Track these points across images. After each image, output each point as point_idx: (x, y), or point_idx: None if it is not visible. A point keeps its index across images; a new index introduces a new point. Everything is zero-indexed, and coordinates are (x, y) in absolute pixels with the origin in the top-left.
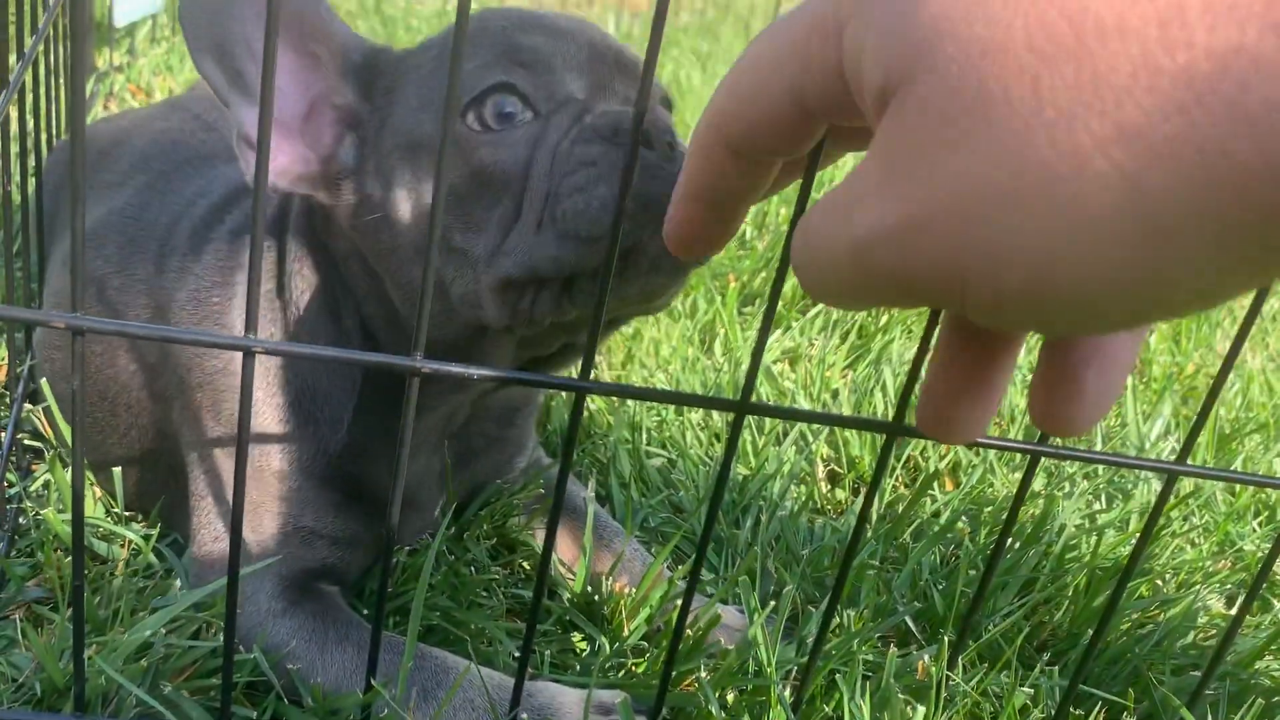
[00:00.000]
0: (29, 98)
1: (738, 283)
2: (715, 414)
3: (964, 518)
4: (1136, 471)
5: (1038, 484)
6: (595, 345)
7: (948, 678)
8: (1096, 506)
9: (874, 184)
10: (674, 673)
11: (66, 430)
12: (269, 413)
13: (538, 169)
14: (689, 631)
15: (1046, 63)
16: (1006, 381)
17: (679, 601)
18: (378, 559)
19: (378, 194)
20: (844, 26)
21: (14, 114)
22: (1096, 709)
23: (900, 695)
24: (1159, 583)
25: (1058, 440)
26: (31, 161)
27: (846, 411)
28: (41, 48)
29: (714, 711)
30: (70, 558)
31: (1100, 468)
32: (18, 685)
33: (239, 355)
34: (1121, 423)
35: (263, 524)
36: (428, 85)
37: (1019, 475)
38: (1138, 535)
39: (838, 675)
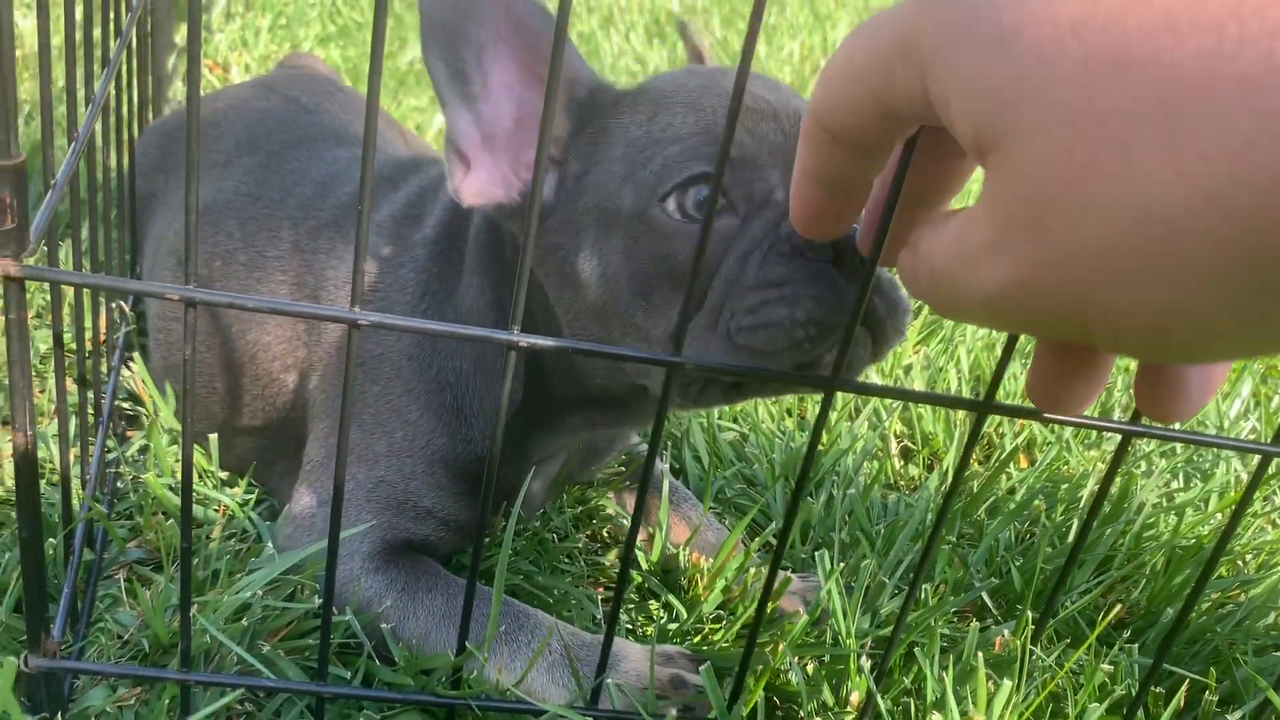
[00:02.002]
0: (121, 76)
1: None
2: None
3: (1040, 495)
4: (1216, 451)
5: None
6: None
7: (1032, 653)
8: (1175, 485)
9: (991, 243)
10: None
11: (172, 399)
12: (424, 402)
13: (726, 272)
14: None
15: (1134, 131)
16: (1113, 360)
17: (751, 571)
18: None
19: (565, 245)
20: (927, 64)
21: (110, 91)
22: (1181, 689)
23: (984, 669)
24: (1240, 563)
25: (1147, 420)
26: (124, 135)
27: (919, 387)
28: (133, 29)
29: (794, 681)
30: (170, 520)
31: (1179, 446)
32: (124, 642)
33: (401, 341)
34: None
35: (382, 496)
36: (634, 154)
37: (1094, 453)
38: (1220, 514)
39: (916, 648)
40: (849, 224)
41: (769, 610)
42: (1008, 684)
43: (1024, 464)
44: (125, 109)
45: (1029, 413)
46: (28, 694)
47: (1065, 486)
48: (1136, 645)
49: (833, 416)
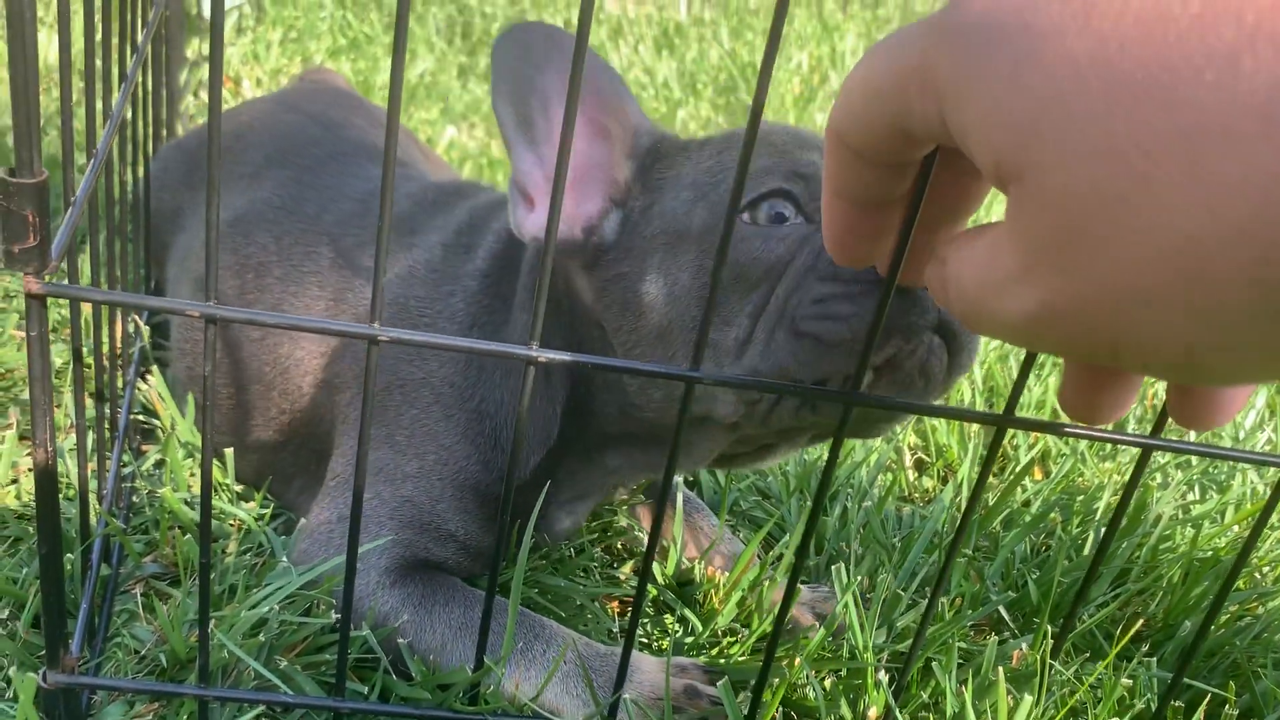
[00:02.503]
0: (137, 92)
1: None
2: None
3: (1055, 508)
4: (1232, 463)
5: (1130, 476)
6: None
7: (1051, 666)
8: (1191, 498)
9: (1018, 271)
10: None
11: (192, 412)
12: (463, 430)
13: (799, 262)
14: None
15: (1156, 164)
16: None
17: (766, 584)
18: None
19: (630, 272)
20: (943, 94)
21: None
22: (1201, 702)
23: (1003, 683)
24: (1257, 575)
25: (1166, 432)
26: (140, 152)
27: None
28: (149, 46)
29: (811, 695)
30: (186, 535)
31: (1193, 458)
32: (141, 657)
33: (444, 368)
34: None
35: (406, 515)
36: (705, 179)
37: (1109, 464)
38: (1237, 526)
39: (934, 662)
40: (883, 247)
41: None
42: (1028, 699)
43: (1039, 476)
44: (141, 125)
45: (1047, 426)
46: (46, 710)
47: (1081, 499)
48: (1155, 659)
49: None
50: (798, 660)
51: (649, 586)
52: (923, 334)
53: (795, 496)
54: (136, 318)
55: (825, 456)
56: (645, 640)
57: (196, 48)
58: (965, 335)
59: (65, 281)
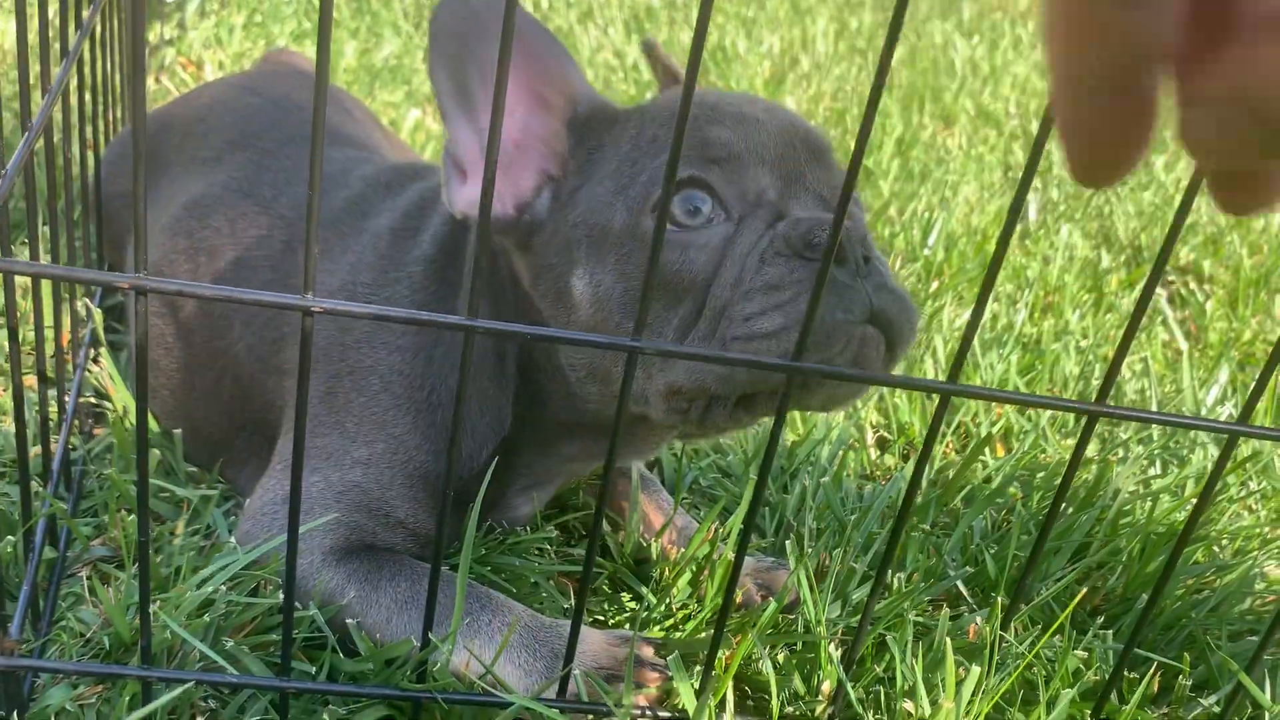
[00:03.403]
0: (86, 70)
1: None
2: None
3: (1015, 483)
4: (1192, 436)
5: (1091, 450)
6: None
7: (1001, 639)
8: (1152, 472)
9: None
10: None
11: (123, 393)
12: (413, 419)
13: (724, 277)
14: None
15: None
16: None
17: (718, 558)
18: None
19: (558, 264)
20: None
21: (73, 84)
22: (1151, 672)
23: (953, 656)
24: (1215, 548)
25: (1112, 401)
26: (89, 131)
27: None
28: (98, 21)
29: (764, 669)
30: (132, 516)
31: (1155, 433)
32: (86, 640)
33: (392, 357)
34: (1177, 388)
35: (353, 499)
36: (624, 169)
37: (1071, 441)
38: (1194, 500)
39: (888, 636)
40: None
41: (736, 597)
42: (976, 670)
43: (1000, 452)
44: (90, 105)
45: (994, 395)
46: None
47: (1041, 475)
48: (1111, 632)
49: None
50: (749, 634)
51: (605, 564)
52: (855, 329)
53: (751, 469)
54: (87, 300)
55: (785, 434)
56: (601, 617)
57: (158, 31)
58: (901, 320)
59: None
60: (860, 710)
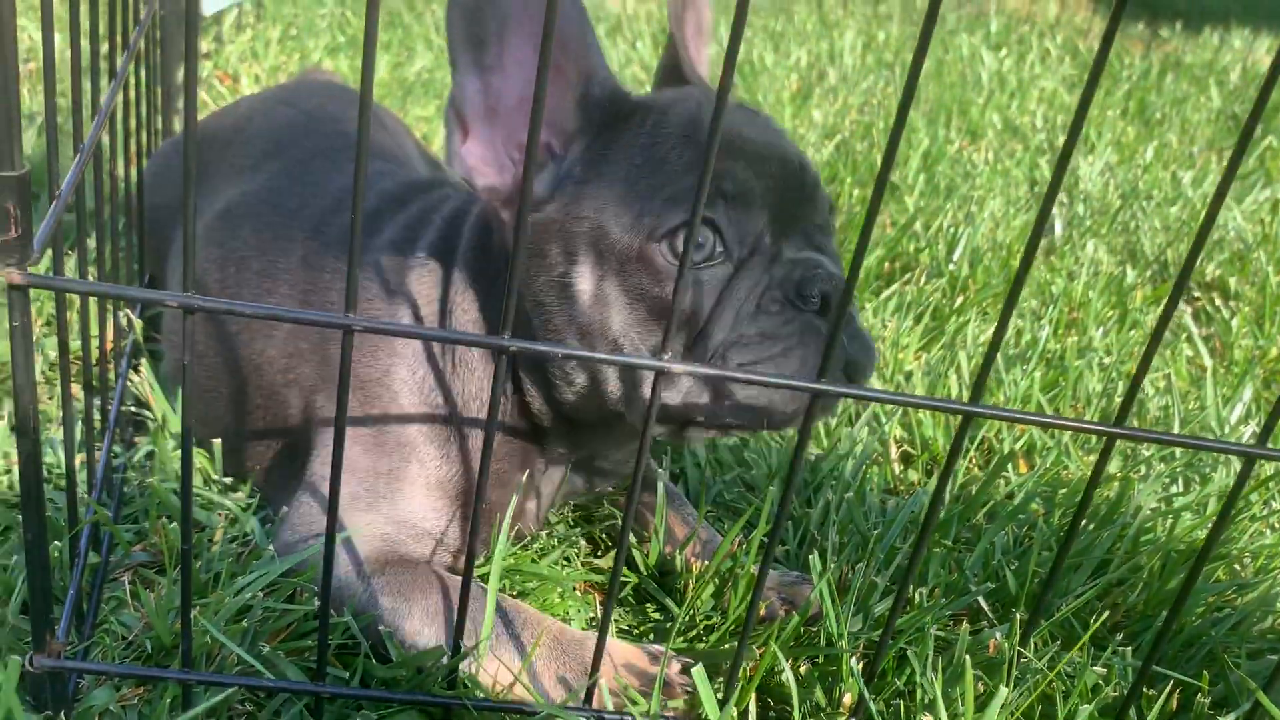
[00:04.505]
0: (130, 89)
1: None
2: None
3: (1038, 500)
4: (1215, 455)
5: (1113, 467)
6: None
7: (1020, 654)
8: (1174, 490)
9: None
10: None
11: (162, 404)
12: (422, 428)
13: (721, 319)
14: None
15: None
16: None
17: (741, 571)
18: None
19: (557, 254)
20: None
21: (119, 102)
22: (1169, 690)
23: (973, 671)
24: (1237, 567)
25: (1135, 419)
26: (133, 146)
27: (920, 393)
28: (142, 42)
29: (787, 680)
30: (173, 524)
31: (1178, 451)
32: (128, 643)
33: (396, 368)
34: (1201, 406)
35: (382, 513)
36: (635, 181)
37: (1093, 458)
38: (1215, 518)
39: (909, 650)
40: None
41: (760, 610)
42: (1004, 691)
43: (1024, 469)
44: (134, 120)
45: (1012, 416)
46: (33, 693)
47: (1063, 491)
48: (1130, 649)
49: (832, 422)
50: (772, 646)
51: (630, 576)
52: (834, 378)
53: (774, 485)
54: (129, 312)
55: (810, 450)
56: (626, 629)
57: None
58: (866, 365)
59: (50, 274)
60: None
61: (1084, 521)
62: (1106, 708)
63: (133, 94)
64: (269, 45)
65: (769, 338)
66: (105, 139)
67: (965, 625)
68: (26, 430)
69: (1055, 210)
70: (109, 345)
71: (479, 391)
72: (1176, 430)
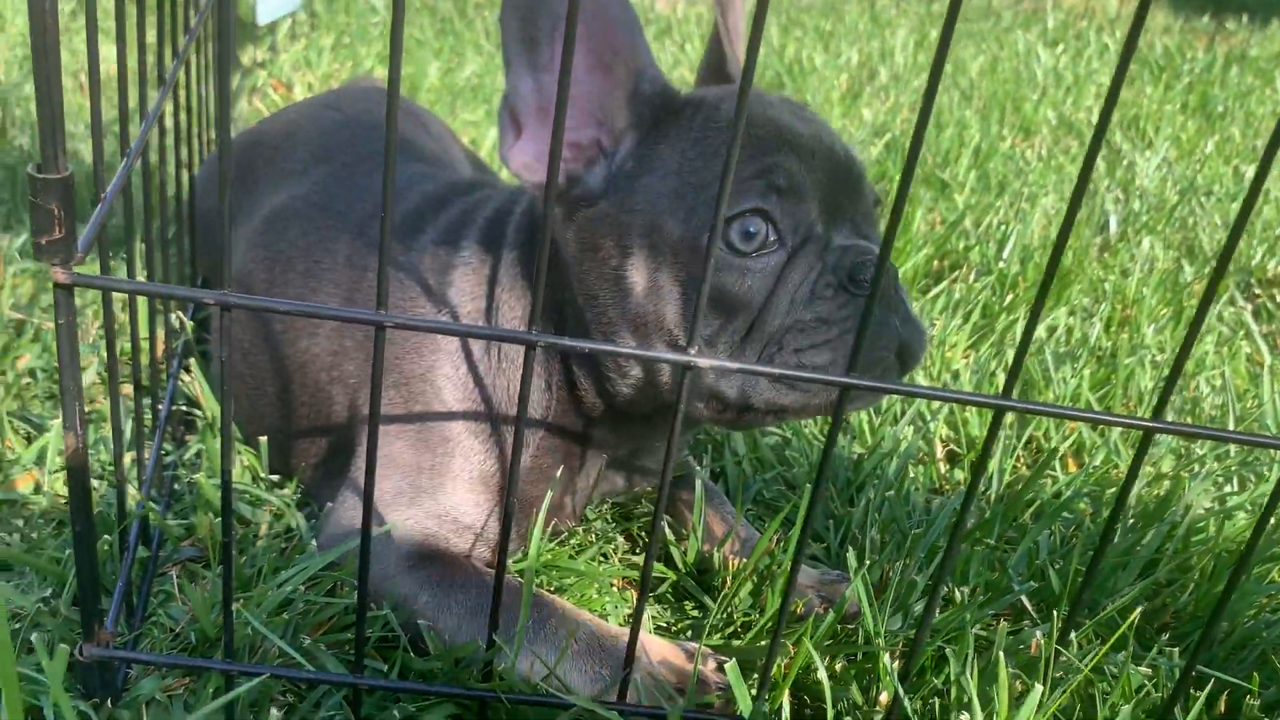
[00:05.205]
0: (182, 94)
1: None
2: None
3: (1086, 499)
4: (1272, 453)
5: (1166, 465)
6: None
7: (1058, 653)
8: (1228, 489)
9: None
10: (784, 639)
11: (211, 402)
12: (465, 424)
13: (776, 306)
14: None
15: None
16: None
17: (778, 569)
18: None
19: (613, 246)
20: None
21: (168, 108)
22: (1211, 690)
23: (1009, 669)
24: None
25: (1188, 419)
26: (184, 152)
27: (967, 390)
28: (194, 47)
29: (821, 678)
30: (219, 519)
31: (1232, 449)
32: (175, 634)
33: (440, 364)
34: (1259, 403)
35: (424, 507)
36: (686, 175)
37: (1151, 456)
38: (1275, 518)
39: (947, 649)
40: None
41: (796, 607)
42: (1038, 689)
43: (1073, 468)
44: (186, 125)
45: (1045, 409)
46: (83, 682)
47: (1111, 491)
48: (1177, 649)
49: (877, 420)
50: (806, 643)
51: (669, 573)
52: (885, 361)
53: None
54: (180, 314)
55: (850, 447)
56: (664, 625)
57: (251, 54)
58: (918, 349)
59: (94, 273)
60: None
61: (1131, 520)
62: (1151, 710)
63: (184, 100)
64: (321, 53)
65: (825, 321)
66: (156, 143)
67: (1004, 625)
68: (73, 426)
69: (1110, 207)
70: (160, 346)
71: (514, 379)
72: (1231, 426)
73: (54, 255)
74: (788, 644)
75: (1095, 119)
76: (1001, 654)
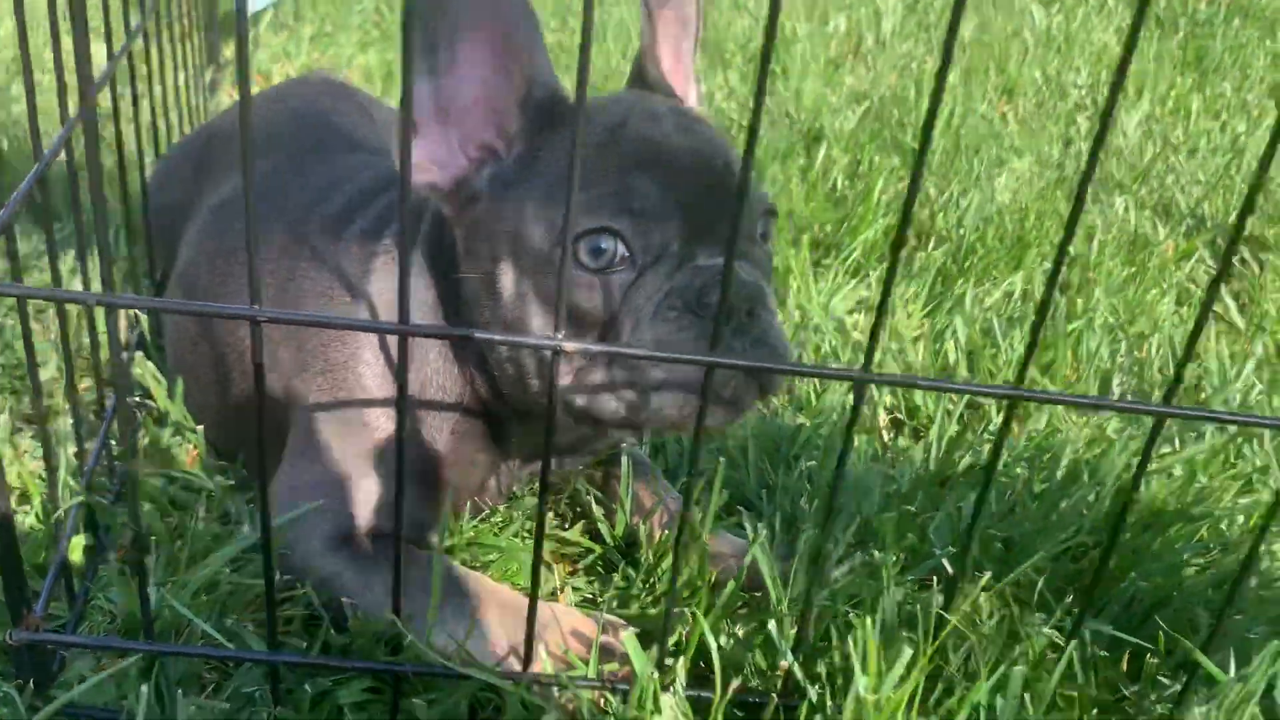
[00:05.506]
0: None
1: (810, 234)
2: None
3: (1024, 465)
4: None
5: (1112, 429)
6: None
7: (941, 616)
8: (1165, 449)
9: None
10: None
11: (179, 395)
12: (389, 412)
13: (623, 324)
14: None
15: None
16: None
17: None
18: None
19: (485, 254)
20: None
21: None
22: (1121, 653)
23: (905, 633)
24: (1221, 528)
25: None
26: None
27: (919, 360)
28: (171, 43)
29: (710, 645)
30: (149, 507)
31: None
32: (113, 617)
33: (361, 353)
34: (1204, 368)
35: (347, 491)
36: (553, 191)
37: (1088, 427)
38: (1200, 480)
39: (852, 615)
40: None
41: (711, 575)
42: (907, 650)
43: (1015, 434)
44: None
45: (903, 380)
46: (16, 665)
47: (1048, 456)
48: (1082, 611)
49: (821, 386)
50: (698, 612)
51: (595, 546)
52: (730, 383)
53: (753, 456)
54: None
55: (791, 417)
56: (590, 597)
57: (233, 47)
58: (771, 376)
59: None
60: (808, 684)
61: (1048, 486)
62: (1050, 667)
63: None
64: (299, 45)
65: (662, 344)
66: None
67: (888, 589)
68: None
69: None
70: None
71: (434, 375)
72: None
73: None
74: (688, 613)
75: (1083, 79)
76: (894, 616)
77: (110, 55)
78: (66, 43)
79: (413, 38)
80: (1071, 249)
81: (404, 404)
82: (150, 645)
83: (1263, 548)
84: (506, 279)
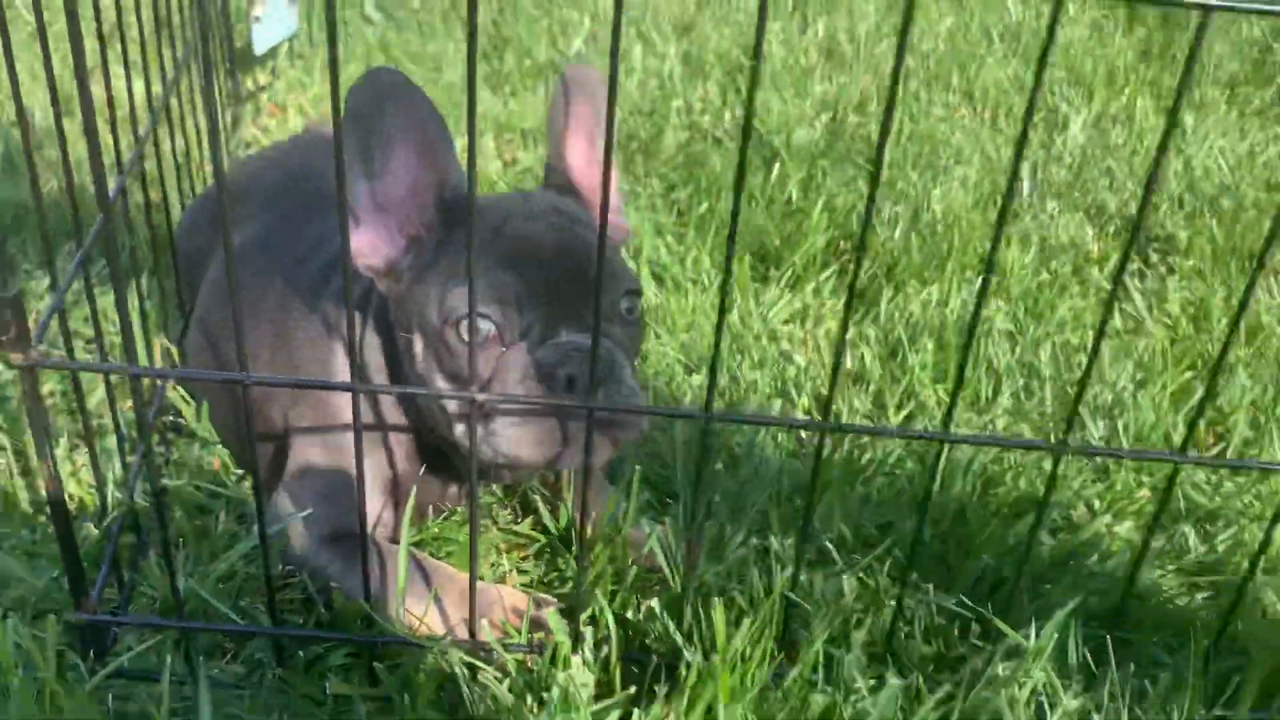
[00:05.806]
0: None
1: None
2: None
3: (911, 460)
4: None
5: (1001, 423)
6: None
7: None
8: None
9: None
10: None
11: (190, 413)
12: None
13: (493, 389)
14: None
15: None
16: None
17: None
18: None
19: (402, 324)
20: None
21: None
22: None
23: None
24: (1073, 512)
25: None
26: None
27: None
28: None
29: (608, 620)
30: (179, 513)
31: (1049, 398)
32: (154, 602)
33: (330, 399)
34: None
35: (335, 501)
36: (445, 278)
37: (982, 420)
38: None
39: (736, 593)
40: None
41: (626, 561)
42: (746, 623)
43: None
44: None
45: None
46: (80, 640)
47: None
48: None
49: (743, 387)
50: (600, 591)
51: (543, 538)
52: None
53: (681, 456)
54: (166, 341)
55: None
56: (540, 579)
57: (254, 78)
58: (621, 419)
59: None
60: (684, 647)
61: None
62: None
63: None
64: (313, 74)
65: (519, 410)
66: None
67: (754, 568)
68: (48, 467)
69: (1024, 176)
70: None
71: (389, 415)
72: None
73: (10, 348)
74: (599, 593)
75: (1056, 79)
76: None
77: (154, 90)
78: (105, 89)
79: (350, 145)
80: (1009, 258)
81: (359, 443)
82: (182, 623)
83: (1100, 527)
84: (418, 345)
